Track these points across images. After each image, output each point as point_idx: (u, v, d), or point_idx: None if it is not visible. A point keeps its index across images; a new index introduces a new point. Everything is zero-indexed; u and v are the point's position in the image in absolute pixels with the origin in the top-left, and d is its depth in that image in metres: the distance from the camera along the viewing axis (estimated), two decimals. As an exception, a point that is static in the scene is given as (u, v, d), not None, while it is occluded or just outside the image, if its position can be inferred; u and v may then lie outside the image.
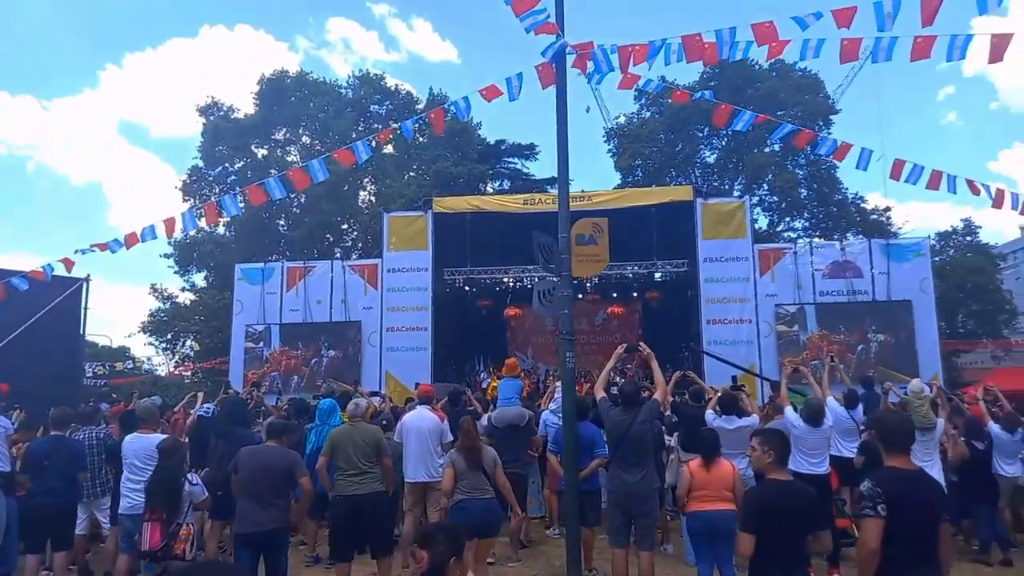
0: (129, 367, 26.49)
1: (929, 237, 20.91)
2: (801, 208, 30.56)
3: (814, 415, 6.64)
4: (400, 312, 17.56)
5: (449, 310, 18.93)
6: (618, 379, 13.51)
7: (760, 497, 3.80)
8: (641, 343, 6.01)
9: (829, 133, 28.23)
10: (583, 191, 17.63)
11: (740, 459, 6.22)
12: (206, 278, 30.67)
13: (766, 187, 30.05)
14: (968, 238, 31.01)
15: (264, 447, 5.63)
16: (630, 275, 19.94)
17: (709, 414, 6.76)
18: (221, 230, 30.66)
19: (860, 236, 24.82)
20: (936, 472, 6.53)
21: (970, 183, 7.93)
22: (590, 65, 6.44)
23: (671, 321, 19.04)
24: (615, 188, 25.54)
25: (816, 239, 25.58)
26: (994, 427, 7.52)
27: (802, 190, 30.00)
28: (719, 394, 7.10)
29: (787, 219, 31.30)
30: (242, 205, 29.69)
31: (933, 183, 7.63)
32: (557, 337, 5.63)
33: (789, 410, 6.88)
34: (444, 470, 5.78)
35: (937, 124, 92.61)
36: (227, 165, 31.26)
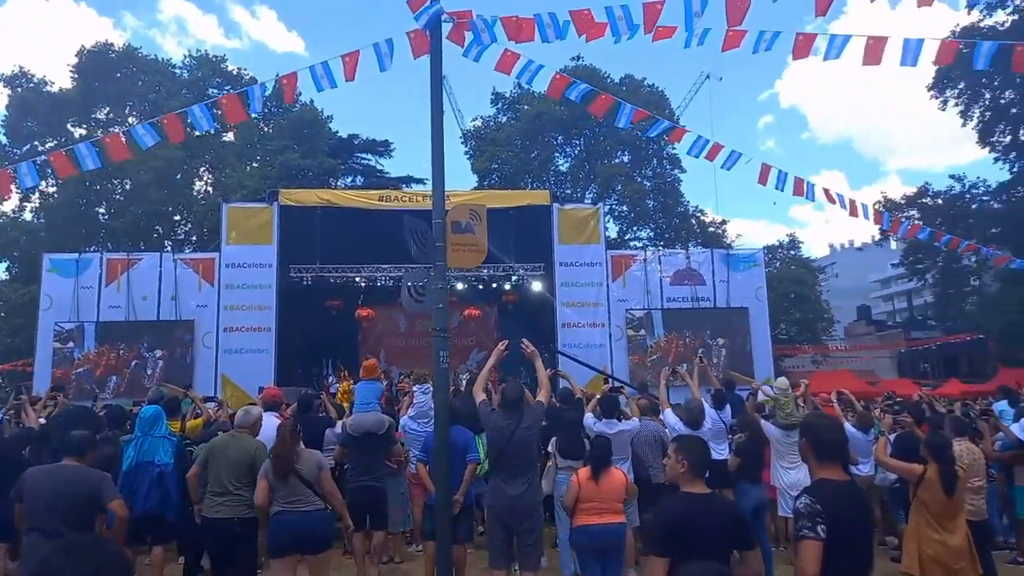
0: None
1: (762, 249, 22.38)
2: (648, 218, 31.80)
3: (695, 418, 6.45)
4: (240, 311, 16.18)
5: (295, 310, 17.64)
6: (463, 378, 13.08)
7: (672, 514, 3.22)
8: (524, 340, 5.50)
9: (674, 147, 29.64)
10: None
11: (622, 463, 5.90)
12: (8, 269, 27.07)
13: (616, 197, 30.96)
14: (792, 252, 33.66)
15: (57, 467, 4.49)
16: (486, 277, 19.60)
17: (589, 418, 6.37)
18: (28, 216, 27.15)
19: (700, 247, 26.14)
20: (803, 474, 6.55)
21: (826, 191, 8.41)
22: (468, 36, 5.89)
23: (527, 324, 18.86)
24: (473, 190, 25.17)
25: (660, 248, 26.68)
26: (849, 427, 7.75)
27: (649, 201, 31.25)
28: (598, 396, 6.76)
29: (634, 228, 32.48)
30: (55, 190, 26.41)
31: (798, 190, 7.97)
32: (430, 334, 4.98)
33: (668, 413, 6.66)
34: (258, 483, 5.05)
35: (758, 150, 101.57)
36: (36, 143, 27.65)
